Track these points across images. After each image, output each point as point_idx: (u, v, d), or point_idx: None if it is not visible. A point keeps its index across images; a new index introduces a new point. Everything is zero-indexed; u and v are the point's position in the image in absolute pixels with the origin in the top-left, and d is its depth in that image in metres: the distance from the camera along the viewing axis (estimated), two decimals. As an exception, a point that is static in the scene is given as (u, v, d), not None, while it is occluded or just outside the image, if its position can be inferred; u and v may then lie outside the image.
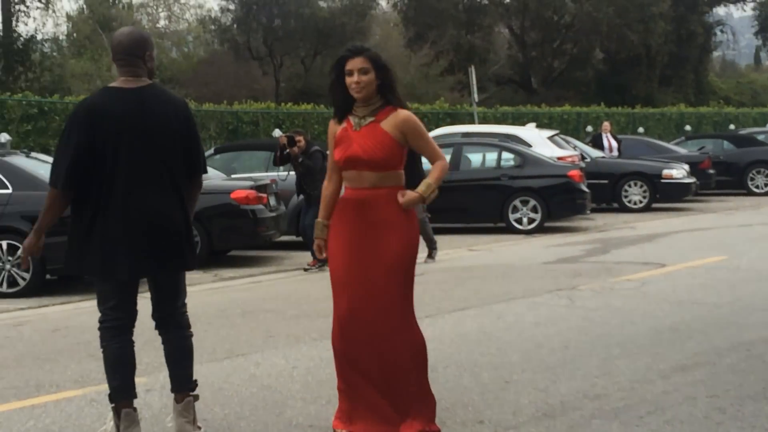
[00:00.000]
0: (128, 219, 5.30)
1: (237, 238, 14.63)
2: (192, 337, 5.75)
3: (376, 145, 5.35)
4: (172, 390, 5.64)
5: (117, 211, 5.29)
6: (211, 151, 18.30)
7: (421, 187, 5.38)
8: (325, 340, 8.16)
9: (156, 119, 5.34)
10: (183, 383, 5.60)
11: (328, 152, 5.59)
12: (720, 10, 61.84)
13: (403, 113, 5.46)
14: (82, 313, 10.35)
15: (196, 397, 5.65)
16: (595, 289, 10.68)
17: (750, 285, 10.72)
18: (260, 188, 14.57)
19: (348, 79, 5.37)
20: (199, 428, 5.58)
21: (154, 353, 7.79)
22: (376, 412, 5.41)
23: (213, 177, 14.91)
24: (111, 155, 5.27)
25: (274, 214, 14.72)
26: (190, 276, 13.63)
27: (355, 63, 5.37)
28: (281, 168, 14.44)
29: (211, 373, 7.06)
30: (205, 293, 11.59)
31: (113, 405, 5.44)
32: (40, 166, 12.86)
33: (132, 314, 5.56)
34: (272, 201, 14.88)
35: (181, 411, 5.52)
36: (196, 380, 5.69)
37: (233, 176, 15.96)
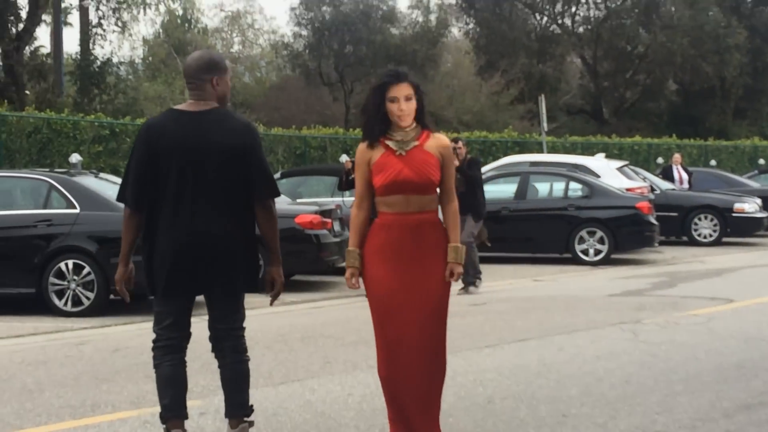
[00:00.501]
0: (173, 238, 5.38)
1: (300, 262, 14.63)
2: (248, 361, 5.74)
3: (428, 168, 5.36)
4: (226, 415, 5.63)
5: (166, 230, 5.40)
6: (278, 175, 18.39)
7: (452, 255, 5.40)
8: (382, 367, 8.12)
9: (210, 142, 5.37)
10: (237, 408, 5.59)
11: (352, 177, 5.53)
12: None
13: (443, 137, 5.54)
14: (143, 333, 10.41)
15: (251, 423, 5.63)
16: (659, 323, 10.47)
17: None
18: (325, 213, 14.58)
19: (392, 106, 5.35)
20: None
21: (211, 376, 7.81)
22: None
23: (278, 201, 14.93)
24: (164, 175, 5.35)
25: (338, 239, 14.70)
26: (252, 300, 13.65)
27: (401, 90, 5.34)
28: (347, 193, 14.44)
29: (266, 398, 7.03)
30: (266, 317, 11.58)
31: (164, 425, 5.46)
32: (108, 186, 13.01)
33: (185, 334, 5.60)
34: (336, 226, 14.87)
35: None
36: (251, 405, 5.67)
37: (298, 201, 16.00)
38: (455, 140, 13.96)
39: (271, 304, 5.95)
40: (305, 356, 8.79)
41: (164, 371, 5.52)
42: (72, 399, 7.18)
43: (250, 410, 5.64)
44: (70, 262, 11.86)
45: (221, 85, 5.49)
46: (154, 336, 5.53)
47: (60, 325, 11.10)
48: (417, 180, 5.33)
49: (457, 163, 12.85)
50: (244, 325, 5.81)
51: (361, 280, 5.50)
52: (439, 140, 5.47)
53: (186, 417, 5.54)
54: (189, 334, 5.62)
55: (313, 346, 9.30)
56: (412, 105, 5.36)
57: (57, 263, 11.88)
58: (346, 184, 13.67)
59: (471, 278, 13.35)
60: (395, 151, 5.38)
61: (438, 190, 5.47)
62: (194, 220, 5.38)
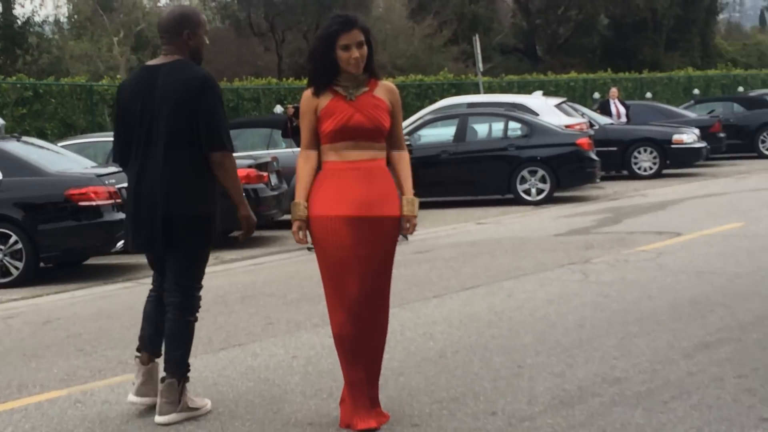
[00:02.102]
0: (129, 189, 5.54)
1: (237, 219, 14.17)
2: (191, 322, 5.57)
3: (380, 113, 5.11)
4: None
5: (128, 182, 5.56)
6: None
7: (408, 207, 5.17)
8: (326, 326, 7.75)
9: (161, 91, 5.40)
10: (165, 365, 5.51)
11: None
12: (725, -29, 61.05)
13: (390, 84, 5.33)
14: (76, 302, 9.99)
15: (180, 380, 5.44)
16: (609, 261, 10.25)
17: (771, 253, 10.28)
18: (261, 166, 14.16)
19: (344, 54, 5.04)
20: (188, 410, 5.47)
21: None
22: (367, 397, 5.20)
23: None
24: (131, 129, 5.50)
25: (275, 192, 14.32)
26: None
27: (353, 36, 5.05)
28: (283, 144, 14.03)
29: (206, 367, 6.66)
30: (205, 278, 11.17)
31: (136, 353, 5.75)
32: (32, 150, 12.47)
33: (160, 284, 5.68)
34: (273, 179, 14.46)
35: (161, 391, 5.44)
36: (186, 364, 5.51)
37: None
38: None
39: (241, 240, 6.17)
40: (246, 318, 8.41)
41: (145, 306, 5.78)
42: (-2, 379, 6.75)
43: (178, 369, 5.47)
44: (-4, 232, 11.33)
45: (193, 40, 5.56)
46: None
47: (-12, 298, 10.60)
48: (368, 125, 5.07)
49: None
50: (200, 284, 5.67)
51: (308, 232, 5.14)
52: (387, 87, 5.25)
53: (154, 354, 5.66)
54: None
55: (253, 307, 8.93)
56: (364, 51, 5.08)
57: (-20, 233, 11.35)
58: (291, 131, 13.24)
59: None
60: (345, 97, 5.10)
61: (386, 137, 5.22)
62: (143, 172, 5.43)
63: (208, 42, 5.67)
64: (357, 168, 5.07)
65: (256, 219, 5.91)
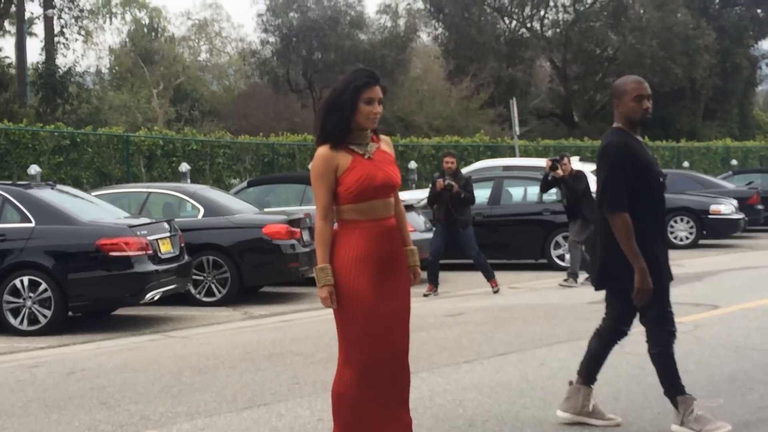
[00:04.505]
0: None
1: (268, 274, 14.13)
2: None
3: (393, 169, 5.10)
4: None
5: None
6: (245, 183, 17.86)
7: (412, 258, 5.18)
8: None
9: None
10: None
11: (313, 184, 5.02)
12: (765, 44, 60.93)
13: (385, 136, 5.25)
14: (102, 353, 9.89)
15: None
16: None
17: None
18: (293, 222, 14.08)
19: (366, 108, 4.96)
20: None
21: (171, 401, 7.30)
22: None
23: (245, 211, 14.47)
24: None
25: (306, 249, 14.20)
26: (219, 314, 13.17)
27: (377, 92, 4.99)
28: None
29: (229, 426, 6.51)
30: (233, 332, 11.07)
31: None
32: (66, 199, 12.46)
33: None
34: (305, 236, 14.37)
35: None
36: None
37: (266, 210, 15.47)
38: (561, 156, 15.16)
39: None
40: (272, 376, 8.25)
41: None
42: None
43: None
44: (26, 279, 11.29)
45: (619, 107, 6.15)
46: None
47: (14, 345, 10.53)
48: (389, 183, 5.03)
49: (560, 173, 14.80)
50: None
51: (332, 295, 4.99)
52: (386, 139, 5.22)
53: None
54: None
55: (281, 365, 8.77)
56: (382, 108, 5.03)
57: (11, 280, 11.31)
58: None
59: (573, 272, 14.83)
60: (363, 155, 5.00)
61: None
62: None
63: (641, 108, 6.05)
64: (380, 226, 5.00)
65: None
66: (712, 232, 21.62)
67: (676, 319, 10.42)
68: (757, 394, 7.19)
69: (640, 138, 6.19)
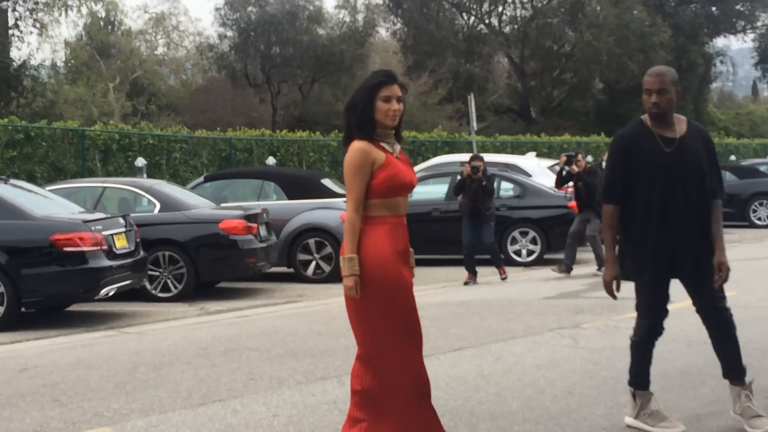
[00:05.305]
0: None
1: (225, 269, 14.08)
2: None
3: (413, 170, 5.30)
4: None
5: None
6: (201, 179, 17.77)
7: (412, 260, 5.34)
8: (310, 383, 7.60)
9: None
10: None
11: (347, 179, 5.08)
12: (719, 41, 61.62)
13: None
14: (56, 350, 9.79)
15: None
16: (599, 327, 10.11)
17: (763, 324, 10.15)
18: (250, 218, 14.04)
19: (385, 106, 5.11)
20: None
21: (125, 398, 7.26)
22: None
23: (202, 206, 14.40)
24: None
25: (264, 244, 14.19)
26: (174, 309, 13.10)
27: (394, 90, 5.16)
28: (274, 196, 14.19)
29: (184, 422, 6.47)
30: (189, 328, 11.01)
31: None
32: (19, 193, 12.32)
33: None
34: (263, 231, 14.34)
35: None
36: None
37: (223, 205, 15.40)
38: (576, 153, 16.00)
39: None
40: (228, 372, 8.23)
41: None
42: (-31, 428, 6.55)
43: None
44: (-21, 275, 11.15)
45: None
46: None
47: (-34, 343, 10.40)
48: (413, 182, 5.24)
49: (576, 169, 15.54)
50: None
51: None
52: (400, 147, 5.36)
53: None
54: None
55: (236, 361, 8.74)
56: (402, 107, 5.18)
57: (-37, 276, 11.17)
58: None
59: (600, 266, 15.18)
60: (392, 153, 5.19)
61: None
62: None
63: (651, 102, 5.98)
64: (401, 222, 5.20)
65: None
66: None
67: (630, 315, 10.50)
68: (709, 387, 7.28)
69: (658, 131, 6.02)
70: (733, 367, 6.26)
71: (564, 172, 15.81)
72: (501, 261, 15.40)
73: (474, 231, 15.02)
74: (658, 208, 5.97)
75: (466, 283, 14.88)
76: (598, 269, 15.49)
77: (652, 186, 5.95)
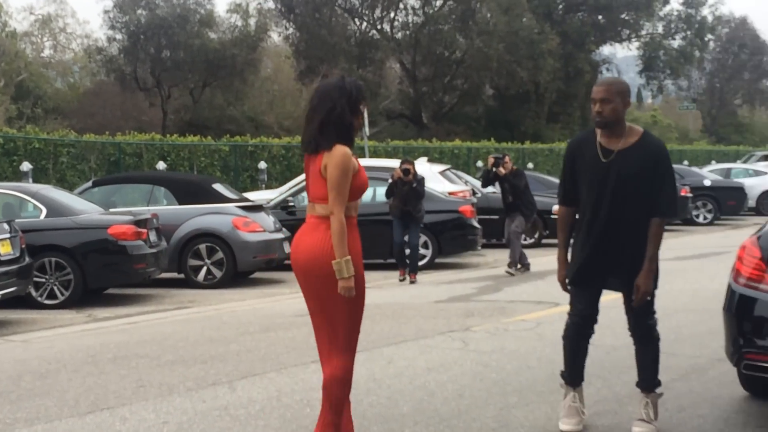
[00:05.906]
0: None
1: (114, 275, 13.85)
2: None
3: None
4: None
5: None
6: (89, 184, 17.46)
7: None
8: (201, 390, 7.54)
9: None
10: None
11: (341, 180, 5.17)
12: (605, 49, 62.96)
13: None
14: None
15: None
16: (489, 330, 10.25)
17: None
18: (140, 223, 13.85)
19: (361, 118, 5.37)
20: None
21: (9, 407, 7.10)
22: None
23: (90, 211, 14.15)
24: None
25: (154, 250, 14.00)
26: (61, 316, 12.83)
27: (364, 103, 5.41)
28: (165, 201, 14.07)
29: (71, 431, 6.35)
30: (76, 335, 10.81)
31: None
32: None
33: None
34: (152, 236, 14.15)
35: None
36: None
37: (112, 210, 15.16)
38: (503, 155, 16.67)
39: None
40: (117, 380, 8.10)
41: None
42: None
43: None
44: None
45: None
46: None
47: None
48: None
49: (503, 171, 16.22)
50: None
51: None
52: None
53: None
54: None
55: (125, 368, 8.61)
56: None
57: None
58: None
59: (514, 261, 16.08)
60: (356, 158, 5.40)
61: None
62: None
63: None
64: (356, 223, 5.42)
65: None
66: (554, 231, 22.16)
67: (520, 317, 10.73)
68: (594, 388, 7.43)
69: (603, 141, 6.12)
70: (644, 378, 6.39)
71: (491, 174, 16.44)
72: (417, 267, 15.80)
73: (404, 230, 15.59)
74: (588, 216, 6.10)
75: (401, 280, 15.58)
76: (508, 267, 16.05)
77: (588, 193, 6.11)
